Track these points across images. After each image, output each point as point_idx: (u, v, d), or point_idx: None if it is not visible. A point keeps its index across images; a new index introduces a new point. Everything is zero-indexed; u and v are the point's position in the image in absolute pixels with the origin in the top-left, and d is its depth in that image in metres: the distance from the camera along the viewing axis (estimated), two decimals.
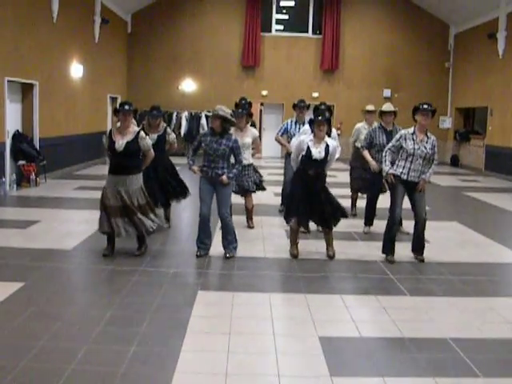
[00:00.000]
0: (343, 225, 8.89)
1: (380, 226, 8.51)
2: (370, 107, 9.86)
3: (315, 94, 21.72)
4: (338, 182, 12.93)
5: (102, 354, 4.20)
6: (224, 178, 6.81)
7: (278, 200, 10.29)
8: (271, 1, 22.31)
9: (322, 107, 8.55)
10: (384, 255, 7.19)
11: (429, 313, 5.36)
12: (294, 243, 7.26)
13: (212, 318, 5.11)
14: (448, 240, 8.34)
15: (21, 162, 12.51)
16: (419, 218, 7.05)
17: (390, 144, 7.14)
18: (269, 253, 7.35)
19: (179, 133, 21.52)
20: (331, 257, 7.17)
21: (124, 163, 6.72)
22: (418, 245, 7.21)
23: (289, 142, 9.26)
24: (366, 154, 8.38)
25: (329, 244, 7.26)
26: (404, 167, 6.97)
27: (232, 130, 7.26)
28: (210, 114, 7.05)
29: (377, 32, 22.07)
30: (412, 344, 4.59)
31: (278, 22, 22.67)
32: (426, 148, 6.91)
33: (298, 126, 9.48)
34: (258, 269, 6.67)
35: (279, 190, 10.38)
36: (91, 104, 17.60)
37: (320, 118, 6.83)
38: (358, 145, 9.32)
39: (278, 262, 7.01)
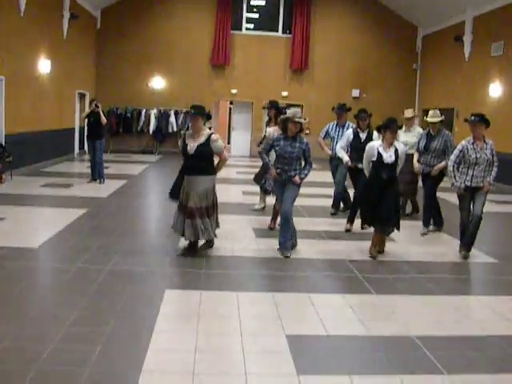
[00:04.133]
0: (311, 223, 8.96)
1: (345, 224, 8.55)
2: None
3: (284, 93, 21.78)
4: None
5: (67, 354, 4.15)
6: (296, 178, 7.17)
7: (246, 198, 10.28)
8: None
9: (363, 115, 8.93)
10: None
11: (394, 311, 5.43)
12: (375, 244, 7.42)
13: (179, 316, 5.10)
14: (414, 239, 8.44)
15: None
16: (475, 215, 7.42)
17: (454, 157, 7.49)
18: (236, 251, 7.35)
19: (148, 130, 21.40)
20: (374, 257, 7.30)
21: (195, 165, 6.88)
22: (469, 240, 7.51)
23: (329, 145, 9.69)
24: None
25: (375, 244, 7.41)
26: (467, 175, 7.41)
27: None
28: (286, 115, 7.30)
29: (346, 33, 22.22)
30: (378, 342, 4.65)
31: (249, 20, 22.65)
32: (486, 154, 7.34)
33: (338, 128, 9.83)
34: (226, 267, 6.67)
35: (246, 188, 10.36)
36: (59, 100, 17.35)
37: (392, 125, 7.19)
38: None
39: (246, 260, 7.02)
